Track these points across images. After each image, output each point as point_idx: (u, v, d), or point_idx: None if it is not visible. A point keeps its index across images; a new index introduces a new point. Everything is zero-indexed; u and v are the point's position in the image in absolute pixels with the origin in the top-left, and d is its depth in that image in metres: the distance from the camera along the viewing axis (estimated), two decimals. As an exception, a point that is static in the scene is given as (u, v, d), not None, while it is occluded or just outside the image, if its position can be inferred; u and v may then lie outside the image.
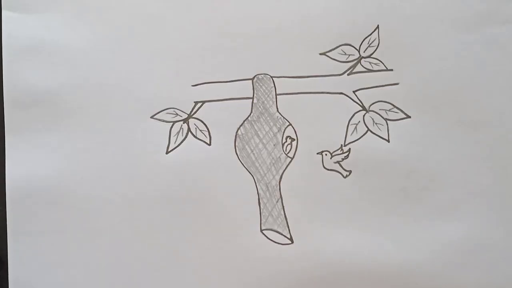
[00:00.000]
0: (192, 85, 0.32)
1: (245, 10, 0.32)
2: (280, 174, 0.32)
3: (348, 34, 0.32)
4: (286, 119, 0.32)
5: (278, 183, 0.32)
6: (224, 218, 0.31)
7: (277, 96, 0.32)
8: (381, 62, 0.32)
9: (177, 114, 0.32)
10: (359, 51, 0.32)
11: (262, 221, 0.31)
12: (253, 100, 0.32)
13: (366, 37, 0.32)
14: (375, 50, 0.32)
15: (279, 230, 0.31)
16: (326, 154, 0.32)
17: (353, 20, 0.32)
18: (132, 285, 0.31)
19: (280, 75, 0.32)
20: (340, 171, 0.32)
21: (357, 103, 0.32)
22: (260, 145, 0.32)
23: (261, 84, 0.32)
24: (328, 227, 0.31)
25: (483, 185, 0.31)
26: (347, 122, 0.32)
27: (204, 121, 0.32)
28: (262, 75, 0.32)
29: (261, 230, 0.31)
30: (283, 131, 0.32)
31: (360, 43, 0.32)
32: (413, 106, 0.32)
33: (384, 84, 0.32)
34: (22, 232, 0.31)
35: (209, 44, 0.32)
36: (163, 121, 0.32)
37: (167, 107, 0.32)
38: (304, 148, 0.32)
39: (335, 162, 0.32)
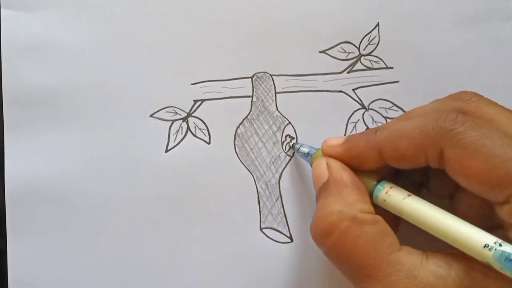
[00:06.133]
0: (191, 84, 0.32)
1: (244, 8, 0.32)
2: (280, 172, 0.32)
3: (348, 32, 0.32)
4: (285, 118, 0.32)
5: (277, 182, 0.32)
6: (223, 216, 0.31)
7: (277, 95, 0.32)
8: (381, 60, 0.32)
9: (176, 113, 0.32)
10: (359, 49, 0.32)
11: (261, 220, 0.31)
12: (252, 99, 0.32)
13: (366, 35, 0.32)
14: (375, 47, 0.32)
15: (278, 228, 0.31)
16: (325, 153, 0.32)
17: (353, 17, 0.32)
18: (132, 285, 0.31)
19: (279, 74, 0.32)
20: (340, 170, 0.32)
21: (356, 101, 0.32)
22: (260, 144, 0.32)
23: (260, 83, 0.32)
24: (327, 226, 0.31)
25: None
26: (347, 121, 0.32)
27: (203, 119, 0.32)
28: (261, 74, 0.32)
29: (261, 229, 0.31)
30: (282, 129, 0.32)
31: (360, 40, 0.32)
32: (413, 104, 0.31)
33: (384, 82, 0.32)
34: (21, 232, 0.31)
35: (208, 43, 0.32)
36: (162, 119, 0.32)
37: (166, 105, 0.32)
38: (304, 146, 0.32)
39: (334, 161, 0.32)
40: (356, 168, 0.26)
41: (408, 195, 0.24)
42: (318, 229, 0.24)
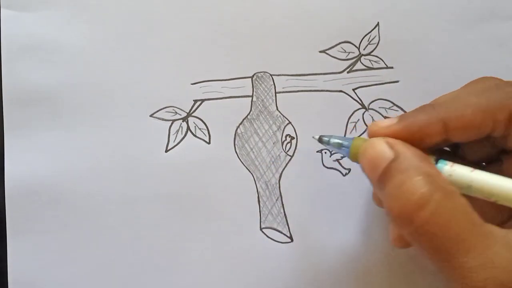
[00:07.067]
0: (191, 84, 0.32)
1: (244, 8, 0.32)
2: (280, 172, 0.32)
3: (348, 32, 0.32)
4: (285, 117, 0.32)
5: (277, 182, 0.32)
6: (223, 216, 0.31)
7: (277, 94, 0.32)
8: (381, 59, 0.32)
9: (176, 113, 0.32)
10: (359, 49, 0.32)
11: (261, 220, 0.31)
12: (252, 98, 0.32)
13: (366, 35, 0.32)
14: (375, 47, 0.32)
15: (278, 228, 0.31)
16: (325, 152, 0.32)
17: (353, 17, 0.32)
18: (132, 285, 0.31)
19: (279, 73, 0.32)
20: (340, 169, 0.32)
21: (356, 101, 0.32)
22: (260, 144, 0.32)
23: (260, 82, 0.32)
24: (327, 225, 0.31)
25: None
26: (347, 120, 0.32)
27: (203, 119, 0.32)
28: (261, 73, 0.32)
29: (261, 229, 0.31)
30: (282, 129, 0.32)
31: (360, 40, 0.32)
32: (413, 104, 0.31)
33: (384, 82, 0.32)
34: (21, 231, 0.31)
35: (208, 42, 0.32)
36: (162, 119, 0.32)
37: (166, 105, 0.32)
38: (304, 146, 0.32)
39: (334, 160, 0.32)
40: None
41: (475, 168, 0.23)
42: (407, 204, 0.21)
